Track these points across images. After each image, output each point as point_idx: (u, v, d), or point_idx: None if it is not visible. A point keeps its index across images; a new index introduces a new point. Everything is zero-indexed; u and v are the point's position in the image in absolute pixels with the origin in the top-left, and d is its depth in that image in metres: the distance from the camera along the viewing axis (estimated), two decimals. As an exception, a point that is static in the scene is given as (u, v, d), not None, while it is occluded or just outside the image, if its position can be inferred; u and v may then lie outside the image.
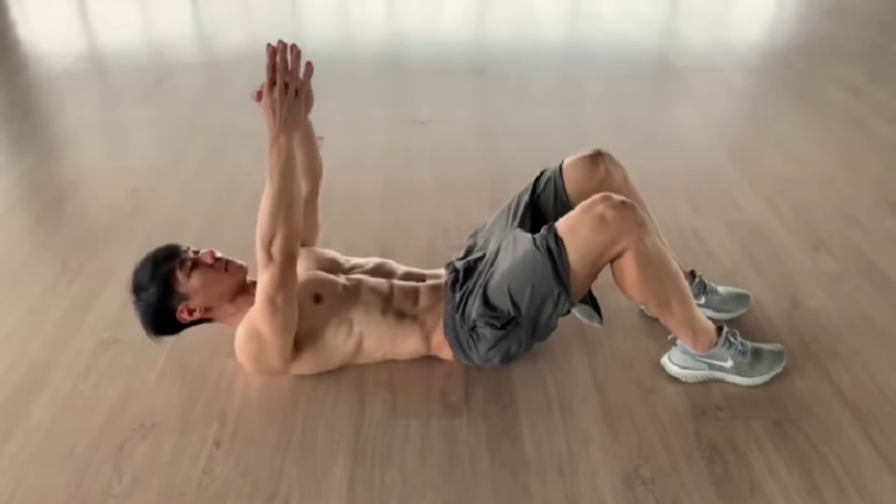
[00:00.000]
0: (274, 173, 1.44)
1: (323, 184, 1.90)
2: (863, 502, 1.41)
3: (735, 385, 1.69)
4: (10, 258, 2.26)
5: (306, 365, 1.68)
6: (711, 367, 1.68)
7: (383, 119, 3.35)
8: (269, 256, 1.48)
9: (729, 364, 1.67)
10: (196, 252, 1.68)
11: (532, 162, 1.94)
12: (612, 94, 3.65)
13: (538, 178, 1.81)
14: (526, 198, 1.79)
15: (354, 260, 1.84)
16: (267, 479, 1.48)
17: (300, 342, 1.65)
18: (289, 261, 1.49)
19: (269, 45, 1.43)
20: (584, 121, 3.32)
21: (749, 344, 1.69)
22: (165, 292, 1.62)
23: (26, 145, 3.09)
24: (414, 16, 5.23)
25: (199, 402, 1.67)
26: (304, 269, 1.76)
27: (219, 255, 1.66)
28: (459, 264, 1.73)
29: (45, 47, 4.56)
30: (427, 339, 1.70)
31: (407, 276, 1.79)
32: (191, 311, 1.64)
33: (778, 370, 1.70)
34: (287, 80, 1.44)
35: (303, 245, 1.87)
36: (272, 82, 1.43)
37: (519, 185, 1.86)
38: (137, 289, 1.63)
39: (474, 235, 1.89)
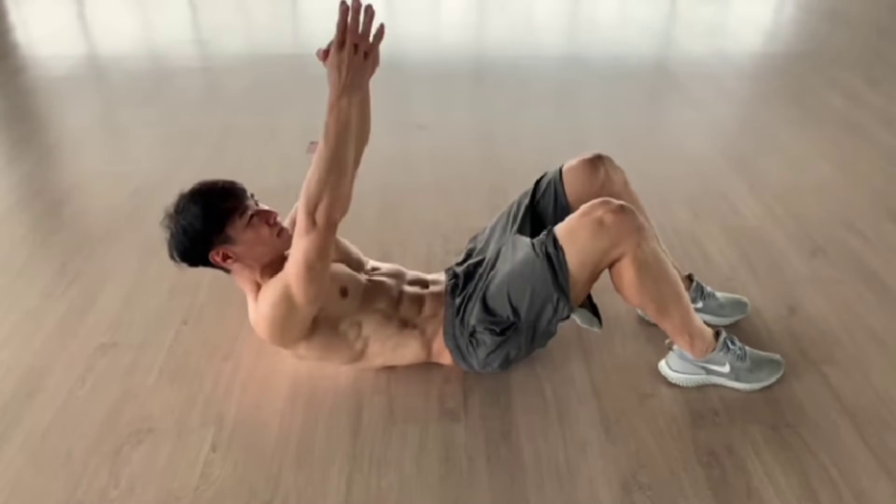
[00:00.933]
0: (330, 136, 1.38)
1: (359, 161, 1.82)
2: (860, 508, 1.41)
3: (733, 390, 1.69)
4: (9, 261, 2.26)
5: (316, 347, 1.65)
6: (709, 372, 1.68)
7: (382, 123, 3.32)
8: (313, 222, 1.42)
9: (726, 369, 1.67)
10: (257, 203, 1.63)
11: (531, 167, 1.95)
12: (611, 100, 3.65)
13: (538, 183, 1.81)
14: (526, 202, 1.79)
15: (373, 262, 1.83)
16: (264, 483, 1.47)
17: (318, 323, 1.62)
18: (331, 228, 1.44)
19: (342, 3, 1.37)
20: (582, 126, 3.32)
21: (748, 349, 1.69)
22: (213, 227, 1.56)
23: (25, 149, 3.10)
24: (413, 21, 5.24)
25: (196, 406, 1.67)
26: (335, 258, 1.70)
27: (279, 218, 1.63)
28: (459, 269, 1.73)
29: (43, 51, 4.57)
30: (427, 346, 1.70)
31: (414, 282, 1.78)
32: (225, 257, 1.59)
33: (776, 378, 1.70)
34: (357, 41, 1.39)
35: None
36: (341, 42, 1.38)
37: (518, 190, 1.86)
38: (183, 210, 1.57)
39: (474, 239, 1.89)
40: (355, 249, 1.82)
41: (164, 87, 3.86)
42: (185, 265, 1.64)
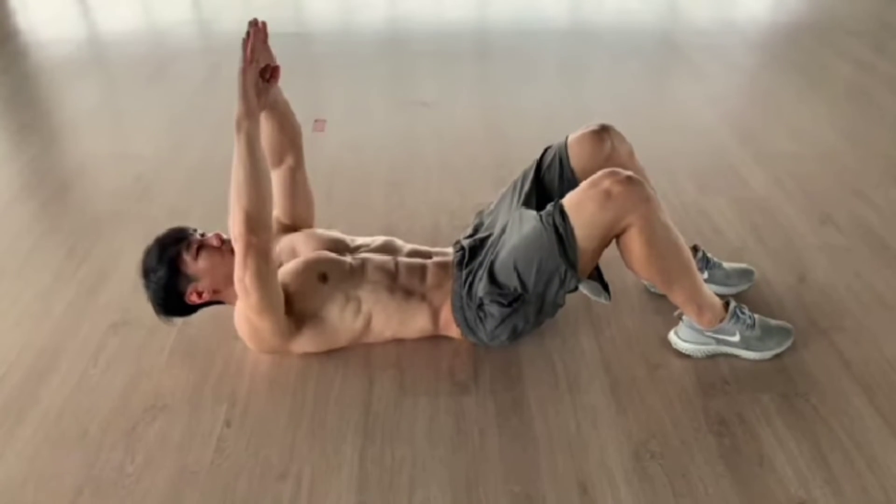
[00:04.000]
0: (238, 158, 1.47)
1: (303, 153, 1.89)
2: (871, 473, 1.41)
3: (743, 359, 1.69)
4: (18, 245, 2.27)
5: (310, 343, 1.69)
6: (719, 341, 1.68)
7: (386, 101, 3.34)
8: (235, 237, 1.50)
9: (736, 338, 1.67)
10: (202, 235, 1.68)
11: (536, 142, 1.93)
12: (616, 74, 3.62)
13: (543, 155, 1.80)
14: (531, 175, 1.78)
15: (360, 239, 1.85)
16: (278, 457, 1.49)
17: (305, 320, 1.66)
18: (245, 242, 1.48)
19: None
20: (587, 101, 3.30)
21: (757, 317, 1.69)
22: (173, 274, 1.63)
23: (29, 134, 3.09)
24: (415, -2, 5.19)
25: (209, 382, 1.69)
26: (309, 250, 1.77)
27: (225, 237, 1.67)
28: (466, 242, 1.73)
29: (45, 35, 4.55)
30: (435, 317, 1.71)
31: (413, 254, 1.79)
32: (199, 294, 1.65)
33: (786, 346, 1.70)
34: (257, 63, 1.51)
35: (299, 226, 1.89)
36: (249, 60, 1.48)
37: (523, 166, 1.85)
38: (147, 272, 1.65)
39: (481, 214, 1.89)
40: (335, 233, 1.85)
41: (166, 69, 3.84)
42: (179, 319, 1.74)
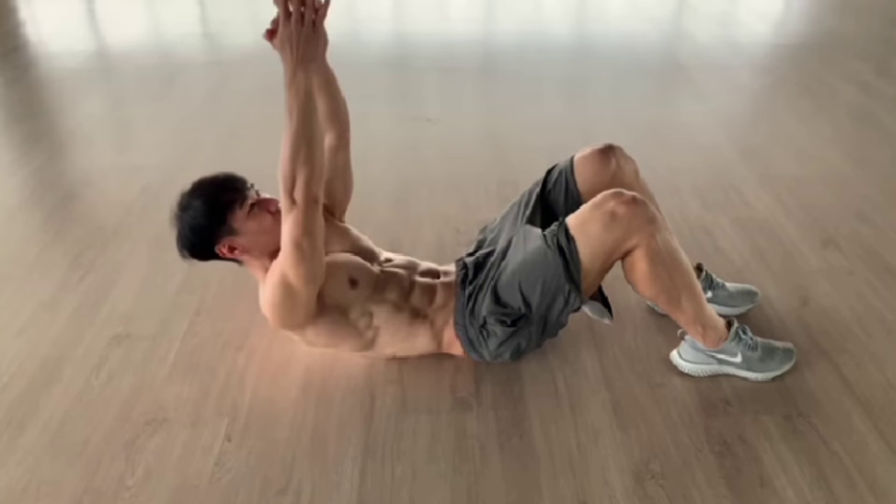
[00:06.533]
0: (293, 112, 1.37)
1: (350, 134, 1.82)
2: (873, 496, 1.41)
3: (744, 380, 1.69)
4: (22, 254, 2.28)
5: (324, 333, 1.65)
6: (721, 362, 1.68)
7: (391, 116, 3.36)
8: (293, 200, 1.42)
9: (738, 359, 1.67)
10: (258, 193, 1.63)
11: (540, 160, 1.95)
12: (620, 92, 3.64)
13: (548, 173, 1.81)
14: (536, 192, 1.78)
15: (386, 254, 1.83)
16: (279, 472, 1.49)
17: (326, 308, 1.62)
18: (312, 204, 1.43)
19: None
20: (591, 118, 3.32)
21: (759, 339, 1.69)
22: (216, 221, 1.57)
23: (36, 143, 3.11)
24: (421, 14, 5.23)
25: (211, 396, 1.69)
26: (340, 247, 1.73)
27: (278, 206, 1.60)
28: (469, 261, 1.73)
29: (53, 47, 4.59)
30: (438, 336, 1.70)
31: (426, 273, 1.78)
32: (231, 249, 1.61)
33: (788, 367, 1.70)
34: (302, 10, 1.37)
35: (333, 209, 1.82)
36: (287, 14, 1.36)
37: (527, 183, 1.86)
38: (187, 206, 1.59)
39: (484, 230, 1.89)
40: (368, 241, 1.83)
41: (174, 82, 3.87)
42: (195, 261, 1.67)
